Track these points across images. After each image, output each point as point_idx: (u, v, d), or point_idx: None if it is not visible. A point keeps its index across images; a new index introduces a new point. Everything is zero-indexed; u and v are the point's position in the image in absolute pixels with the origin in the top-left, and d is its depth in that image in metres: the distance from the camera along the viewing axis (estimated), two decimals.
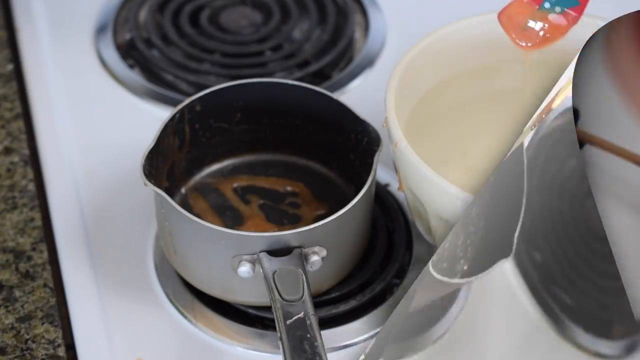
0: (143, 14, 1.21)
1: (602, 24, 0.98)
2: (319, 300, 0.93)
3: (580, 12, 0.90)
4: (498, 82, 1.02)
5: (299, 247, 0.87)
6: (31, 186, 1.03)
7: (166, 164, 0.97)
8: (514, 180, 0.80)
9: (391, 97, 0.91)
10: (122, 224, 1.00)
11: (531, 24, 0.90)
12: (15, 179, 1.04)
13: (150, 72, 1.15)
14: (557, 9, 0.91)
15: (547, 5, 0.91)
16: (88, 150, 1.06)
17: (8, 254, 0.97)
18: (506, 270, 0.78)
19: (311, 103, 0.98)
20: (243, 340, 0.92)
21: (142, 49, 1.16)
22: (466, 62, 1.00)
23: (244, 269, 0.87)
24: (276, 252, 0.87)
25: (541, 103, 1.01)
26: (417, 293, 0.83)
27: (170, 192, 0.97)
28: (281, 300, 0.84)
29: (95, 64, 1.15)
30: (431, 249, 0.98)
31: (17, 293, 0.95)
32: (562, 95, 0.81)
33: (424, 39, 0.96)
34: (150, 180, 0.89)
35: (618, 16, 0.89)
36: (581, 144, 0.77)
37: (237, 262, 0.88)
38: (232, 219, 0.99)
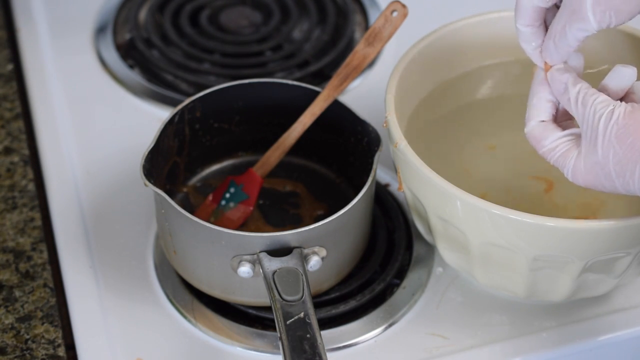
0: (143, 14, 1.21)
1: None
2: (319, 300, 0.93)
3: (251, 204, 0.98)
4: (497, 83, 1.02)
5: (299, 247, 0.87)
6: (31, 186, 1.03)
7: (166, 164, 0.97)
8: None
9: (391, 98, 0.91)
10: (122, 224, 1.00)
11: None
12: (15, 179, 1.04)
13: (150, 72, 1.15)
14: (231, 204, 0.98)
15: (223, 202, 0.98)
16: (88, 150, 1.06)
17: (8, 254, 0.97)
18: None
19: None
20: (243, 340, 0.92)
21: (142, 49, 1.16)
22: (466, 63, 1.00)
23: (244, 269, 0.87)
24: (276, 252, 0.87)
25: None
26: None
27: (171, 192, 0.97)
28: (281, 300, 0.83)
29: (95, 64, 1.15)
30: (431, 249, 0.98)
31: (17, 293, 0.95)
32: None
33: (424, 39, 0.96)
34: (150, 180, 0.89)
35: None
36: None
37: (237, 262, 0.88)
38: None
